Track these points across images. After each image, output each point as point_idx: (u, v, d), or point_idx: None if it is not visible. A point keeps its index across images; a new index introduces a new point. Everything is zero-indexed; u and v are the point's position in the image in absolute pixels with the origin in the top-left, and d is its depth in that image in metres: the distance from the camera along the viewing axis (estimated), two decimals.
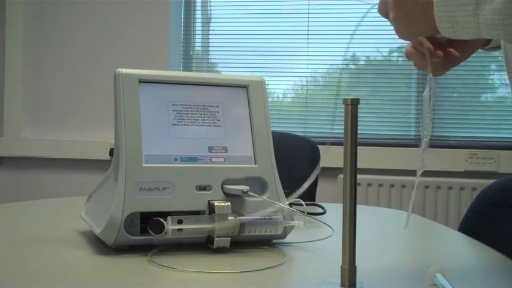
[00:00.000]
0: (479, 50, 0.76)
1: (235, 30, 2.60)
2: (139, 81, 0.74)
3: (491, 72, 2.46)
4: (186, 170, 0.72)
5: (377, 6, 0.67)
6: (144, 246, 0.71)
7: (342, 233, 0.54)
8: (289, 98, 2.60)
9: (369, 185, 2.33)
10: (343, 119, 0.54)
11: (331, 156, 2.16)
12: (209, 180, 0.73)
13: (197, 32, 2.67)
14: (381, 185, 2.33)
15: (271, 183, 0.76)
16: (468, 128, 2.45)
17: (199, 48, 2.68)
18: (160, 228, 0.67)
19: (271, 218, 0.72)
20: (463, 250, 0.83)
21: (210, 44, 2.65)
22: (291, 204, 0.77)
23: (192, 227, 0.69)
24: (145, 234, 0.69)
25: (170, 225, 0.68)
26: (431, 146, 2.36)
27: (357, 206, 0.54)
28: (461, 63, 0.71)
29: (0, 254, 0.68)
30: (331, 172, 2.32)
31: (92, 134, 2.54)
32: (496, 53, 2.44)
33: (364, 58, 2.55)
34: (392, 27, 0.65)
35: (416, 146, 2.38)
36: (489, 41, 0.77)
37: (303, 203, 0.75)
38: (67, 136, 2.57)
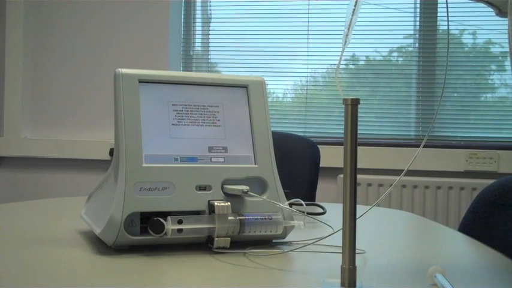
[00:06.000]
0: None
1: (235, 30, 2.60)
2: (139, 81, 0.74)
3: (491, 72, 2.46)
4: (186, 170, 0.72)
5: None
6: (144, 246, 0.71)
7: (342, 233, 0.54)
8: (289, 98, 2.60)
9: (369, 185, 2.33)
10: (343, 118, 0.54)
11: (331, 156, 2.17)
12: (209, 180, 0.73)
13: (197, 32, 2.67)
14: (380, 185, 2.33)
15: (271, 183, 0.76)
16: (468, 128, 2.45)
17: (199, 48, 2.68)
18: (160, 228, 0.67)
19: (271, 218, 0.72)
20: (463, 250, 0.83)
21: (210, 44, 2.65)
22: (291, 204, 0.77)
23: (192, 227, 0.69)
24: (145, 234, 0.69)
25: (170, 225, 0.67)
26: (432, 146, 2.36)
27: (357, 206, 0.54)
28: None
29: (0, 254, 0.68)
30: (331, 172, 2.32)
31: (92, 134, 2.55)
32: (496, 53, 2.45)
33: (363, 58, 2.55)
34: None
35: (416, 146, 2.38)
36: None
37: (303, 203, 0.75)
38: (67, 136, 2.57)
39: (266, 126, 0.78)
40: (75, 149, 2.52)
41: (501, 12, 0.78)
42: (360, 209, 0.58)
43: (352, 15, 0.61)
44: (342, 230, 0.54)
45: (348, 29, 0.60)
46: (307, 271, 0.64)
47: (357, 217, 0.53)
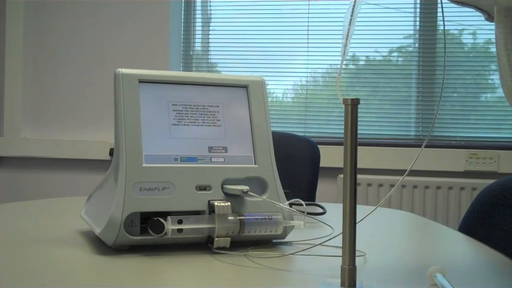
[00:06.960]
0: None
1: (235, 30, 2.60)
2: (139, 81, 0.74)
3: (491, 72, 2.46)
4: (186, 170, 0.72)
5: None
6: (144, 246, 0.71)
7: (342, 233, 0.54)
8: (289, 98, 2.60)
9: (369, 185, 2.33)
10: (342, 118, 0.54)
11: (331, 156, 2.17)
12: (209, 180, 0.73)
13: (197, 32, 2.67)
14: (380, 185, 2.33)
15: (271, 183, 0.76)
16: (468, 128, 2.45)
17: (199, 48, 2.68)
18: (160, 228, 0.67)
19: (271, 218, 0.72)
20: (463, 250, 0.83)
21: (210, 44, 2.66)
22: (291, 204, 0.77)
23: (192, 227, 0.69)
24: (145, 234, 0.69)
25: (170, 225, 0.67)
26: (432, 146, 2.35)
27: (357, 206, 0.54)
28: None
29: (0, 254, 0.68)
30: (331, 172, 2.32)
31: (92, 134, 2.55)
32: None
33: (363, 58, 2.55)
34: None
35: (416, 146, 2.38)
36: None
37: (303, 203, 0.75)
38: (67, 136, 2.57)
39: (266, 126, 0.78)
40: (75, 149, 2.52)
41: (490, 17, 0.78)
42: (360, 209, 0.58)
43: (349, 25, 0.60)
44: (342, 230, 0.54)
45: (346, 39, 0.60)
46: (307, 271, 0.64)
47: (357, 221, 0.53)
